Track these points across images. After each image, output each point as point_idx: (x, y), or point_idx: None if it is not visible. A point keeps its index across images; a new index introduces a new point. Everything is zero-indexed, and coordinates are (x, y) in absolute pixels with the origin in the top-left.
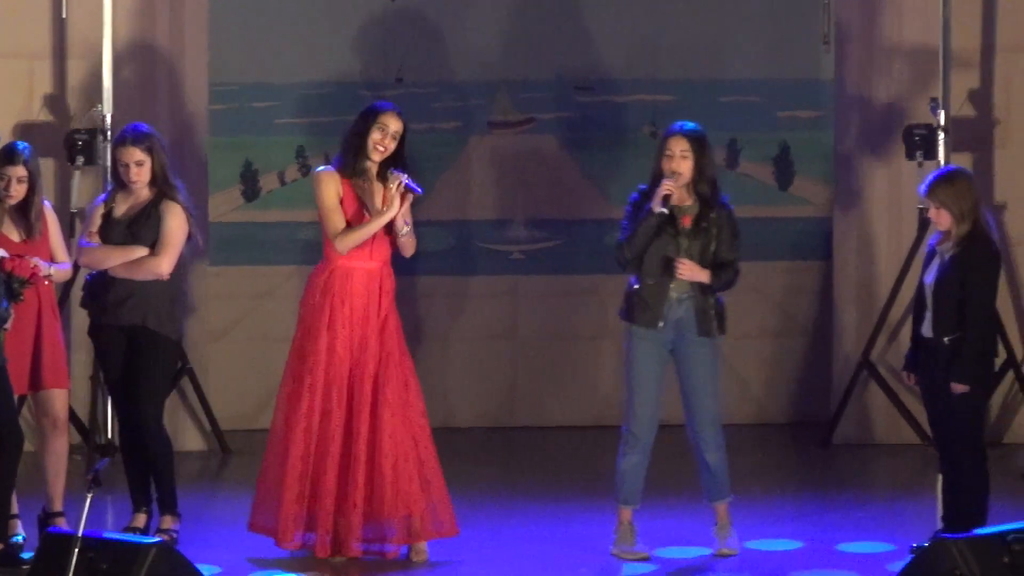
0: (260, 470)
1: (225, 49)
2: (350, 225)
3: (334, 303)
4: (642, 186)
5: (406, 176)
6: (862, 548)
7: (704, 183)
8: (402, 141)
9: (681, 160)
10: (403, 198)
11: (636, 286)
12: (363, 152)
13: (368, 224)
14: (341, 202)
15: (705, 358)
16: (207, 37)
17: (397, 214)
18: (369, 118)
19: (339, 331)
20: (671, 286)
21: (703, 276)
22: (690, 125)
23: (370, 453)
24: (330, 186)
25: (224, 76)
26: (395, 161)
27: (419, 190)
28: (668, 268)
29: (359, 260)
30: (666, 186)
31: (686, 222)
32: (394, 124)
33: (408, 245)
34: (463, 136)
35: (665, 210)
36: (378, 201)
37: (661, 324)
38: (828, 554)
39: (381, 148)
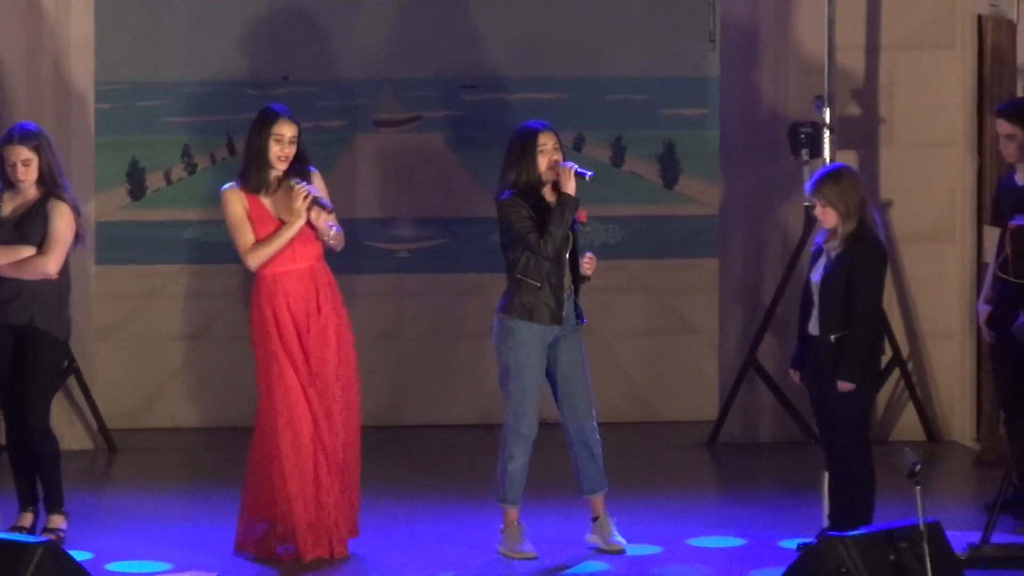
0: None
1: (111, 48)
2: (260, 240)
3: (276, 310)
4: (507, 191)
5: (310, 187)
6: (738, 544)
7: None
8: (298, 140)
9: (554, 152)
10: (311, 208)
11: (539, 285)
12: (265, 166)
13: (276, 237)
14: (250, 217)
15: (580, 344)
16: (93, 36)
17: (317, 220)
18: (264, 130)
19: (288, 337)
20: (565, 283)
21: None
22: (545, 122)
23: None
24: (235, 203)
25: (110, 75)
26: (297, 160)
27: (328, 205)
28: (564, 265)
29: (283, 265)
30: (572, 163)
31: (583, 218)
32: (289, 131)
33: (340, 242)
34: (349, 135)
35: (592, 172)
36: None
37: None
38: (694, 552)
39: (283, 158)
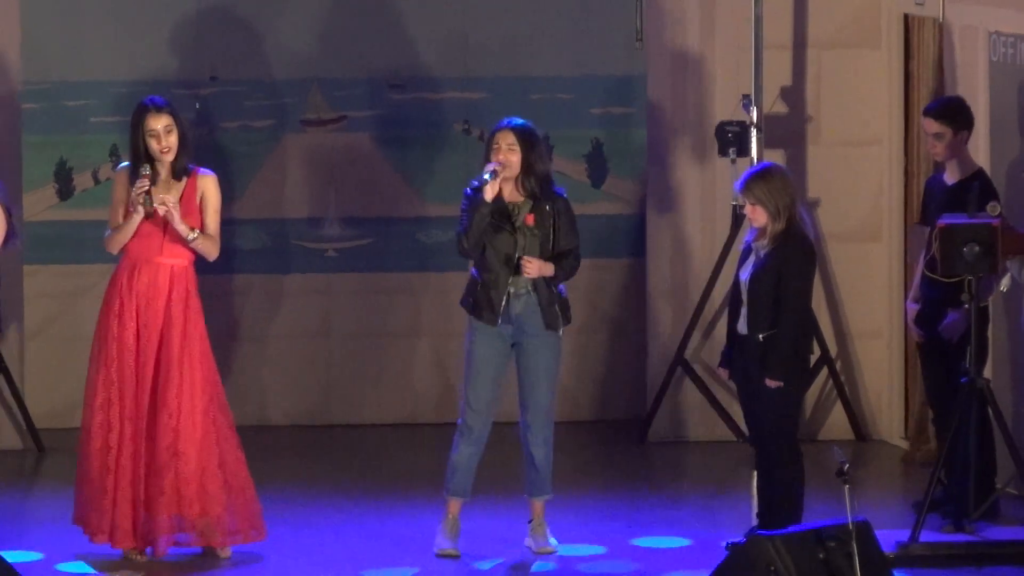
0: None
1: (38, 47)
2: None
3: (123, 296)
4: (475, 181)
5: (142, 183)
6: (673, 544)
7: (532, 178)
8: (178, 120)
9: (508, 152)
10: (141, 204)
11: (479, 282)
12: (150, 162)
13: (123, 226)
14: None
15: (547, 351)
16: (19, 35)
17: (172, 221)
18: (137, 129)
19: (127, 323)
20: (509, 282)
21: (548, 270)
22: (519, 121)
23: (154, 451)
24: (119, 184)
25: (37, 74)
26: (182, 144)
27: (152, 210)
28: (509, 266)
29: (147, 255)
30: (491, 167)
31: (529, 220)
32: (160, 122)
33: (205, 250)
34: (277, 134)
35: (494, 169)
36: (168, 199)
37: (500, 322)
38: (637, 552)
39: (164, 150)
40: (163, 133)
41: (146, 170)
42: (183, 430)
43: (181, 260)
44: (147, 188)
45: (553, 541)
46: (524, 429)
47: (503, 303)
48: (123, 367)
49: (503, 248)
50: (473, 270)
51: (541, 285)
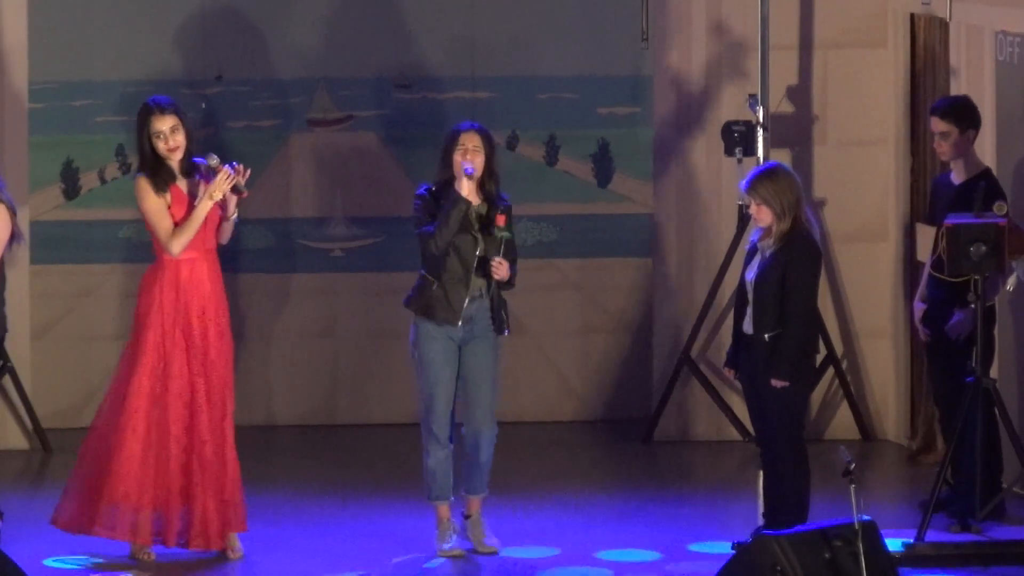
0: (82, 465)
1: (44, 47)
2: (179, 224)
3: (174, 298)
4: (426, 185)
5: (230, 166)
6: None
7: (492, 181)
8: (183, 118)
9: (475, 153)
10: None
11: (434, 283)
12: (161, 165)
13: (192, 219)
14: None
15: (493, 352)
16: (27, 35)
17: (230, 202)
18: (143, 132)
19: (174, 315)
20: (470, 284)
21: (507, 274)
22: (478, 124)
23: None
24: (147, 192)
25: (43, 74)
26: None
27: (244, 191)
28: (472, 267)
29: (194, 250)
30: (468, 166)
31: (500, 221)
32: (165, 123)
33: (228, 232)
34: (283, 134)
35: (471, 170)
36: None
37: (459, 323)
38: (640, 551)
39: (173, 149)
40: (169, 133)
41: (213, 160)
42: (228, 428)
43: (212, 248)
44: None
45: (493, 541)
46: (467, 429)
47: (463, 305)
48: (170, 358)
49: (466, 250)
50: (422, 270)
51: (494, 289)
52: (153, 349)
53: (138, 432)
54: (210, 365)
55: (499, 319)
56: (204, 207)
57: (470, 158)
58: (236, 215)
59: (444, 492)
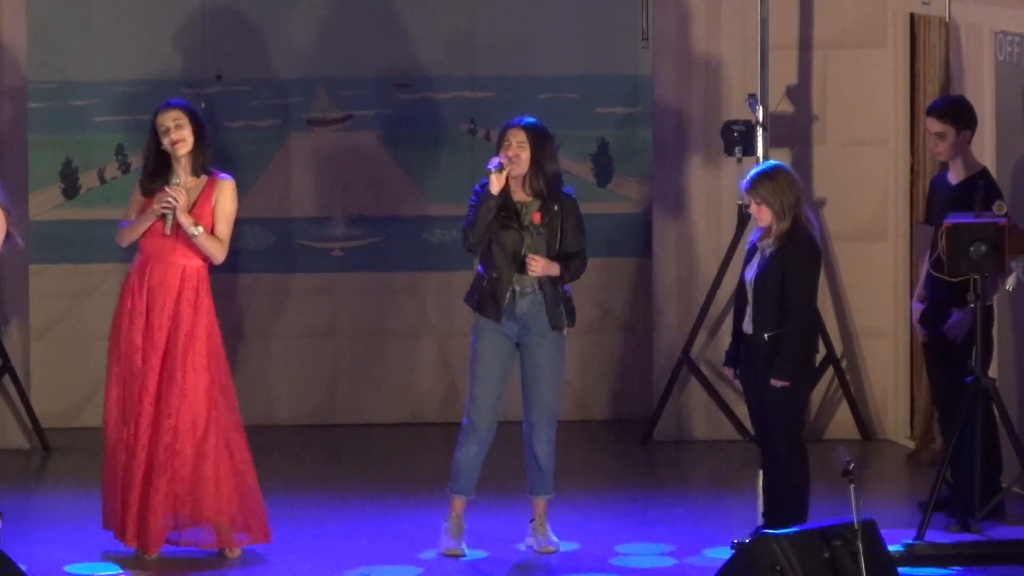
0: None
1: (44, 47)
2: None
3: (134, 293)
4: (483, 180)
5: (171, 200)
6: (677, 543)
7: (540, 178)
8: (196, 118)
9: (518, 149)
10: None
11: (485, 278)
12: (161, 165)
13: (136, 222)
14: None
15: (551, 351)
16: (26, 34)
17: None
18: (153, 131)
19: (135, 322)
20: (514, 279)
21: (554, 270)
22: (531, 119)
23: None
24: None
25: (43, 74)
26: (199, 141)
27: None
28: (515, 264)
29: (161, 254)
30: (496, 159)
31: (536, 219)
32: (169, 119)
33: (209, 249)
34: (282, 134)
35: (500, 162)
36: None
37: (504, 319)
38: (641, 551)
39: (175, 142)
40: (172, 127)
41: (178, 180)
42: (182, 430)
43: (194, 260)
44: (173, 208)
45: (555, 540)
46: (528, 429)
47: (507, 299)
48: (130, 365)
49: (510, 245)
50: (479, 267)
51: (547, 285)
52: (114, 348)
53: (110, 439)
54: (167, 372)
55: (555, 316)
56: (144, 217)
57: (512, 154)
58: (200, 234)
59: (465, 488)
